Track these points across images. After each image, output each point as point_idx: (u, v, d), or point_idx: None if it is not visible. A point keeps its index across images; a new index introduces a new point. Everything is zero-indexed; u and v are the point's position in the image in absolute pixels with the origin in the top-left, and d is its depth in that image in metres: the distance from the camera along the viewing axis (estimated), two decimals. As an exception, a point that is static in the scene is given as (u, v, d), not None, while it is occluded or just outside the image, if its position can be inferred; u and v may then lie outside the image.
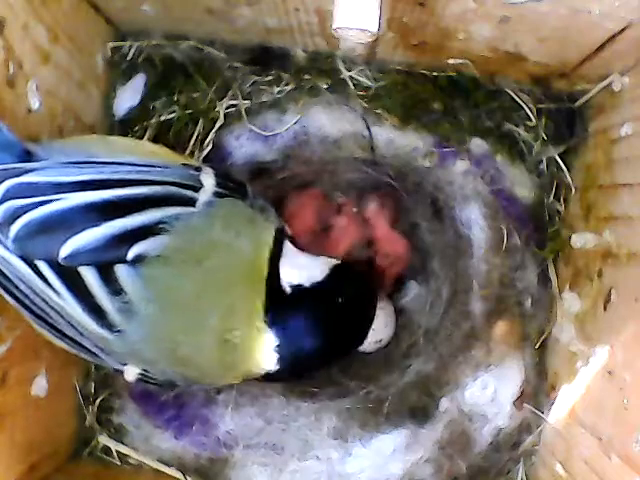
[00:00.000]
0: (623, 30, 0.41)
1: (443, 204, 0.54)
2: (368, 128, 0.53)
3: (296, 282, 0.43)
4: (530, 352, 0.52)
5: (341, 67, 0.54)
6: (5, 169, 0.36)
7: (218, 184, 0.42)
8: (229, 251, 0.41)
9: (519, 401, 0.51)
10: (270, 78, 0.53)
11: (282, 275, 0.43)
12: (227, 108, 0.53)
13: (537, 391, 0.52)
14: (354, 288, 0.47)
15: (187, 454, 0.51)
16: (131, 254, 0.38)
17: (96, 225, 0.37)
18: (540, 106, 0.54)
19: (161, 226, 0.38)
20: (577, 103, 0.53)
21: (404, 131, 0.53)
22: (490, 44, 0.47)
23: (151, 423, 0.52)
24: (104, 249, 0.37)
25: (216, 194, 0.41)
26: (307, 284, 0.44)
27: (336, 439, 0.49)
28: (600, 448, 0.43)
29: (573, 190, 0.53)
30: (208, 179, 0.42)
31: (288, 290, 0.43)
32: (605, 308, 0.46)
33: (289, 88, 0.53)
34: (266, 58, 0.54)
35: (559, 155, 0.54)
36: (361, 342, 0.49)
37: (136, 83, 0.55)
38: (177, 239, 0.39)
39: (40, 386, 0.48)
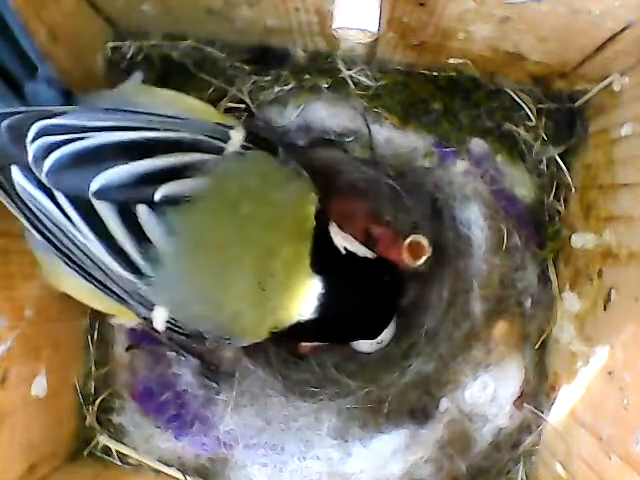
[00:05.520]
0: (623, 30, 0.41)
1: (443, 204, 0.54)
2: (368, 127, 0.53)
3: (351, 249, 0.47)
4: (530, 352, 0.52)
5: (341, 67, 0.53)
6: (38, 110, 0.38)
7: (247, 139, 0.43)
8: (265, 199, 0.42)
9: (519, 401, 0.51)
10: (270, 78, 0.53)
11: (334, 238, 0.46)
12: (227, 108, 0.53)
13: (537, 391, 0.52)
14: (395, 275, 0.51)
15: (187, 454, 0.52)
16: (158, 195, 0.38)
17: (125, 163, 0.38)
18: (540, 106, 0.54)
19: (189, 170, 0.39)
20: (577, 103, 0.53)
21: (404, 131, 0.53)
22: (490, 44, 0.47)
23: (151, 423, 0.52)
24: (132, 187, 0.38)
25: (244, 147, 0.42)
26: (360, 254, 0.48)
27: (336, 439, 0.49)
28: (600, 448, 0.43)
29: (573, 190, 0.53)
30: (237, 134, 0.42)
31: (343, 251, 0.46)
32: (605, 308, 0.46)
33: (289, 88, 0.53)
34: (266, 58, 0.54)
35: (559, 155, 0.54)
36: (380, 330, 0.52)
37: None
38: (206, 184, 0.40)
39: (40, 386, 0.48)
